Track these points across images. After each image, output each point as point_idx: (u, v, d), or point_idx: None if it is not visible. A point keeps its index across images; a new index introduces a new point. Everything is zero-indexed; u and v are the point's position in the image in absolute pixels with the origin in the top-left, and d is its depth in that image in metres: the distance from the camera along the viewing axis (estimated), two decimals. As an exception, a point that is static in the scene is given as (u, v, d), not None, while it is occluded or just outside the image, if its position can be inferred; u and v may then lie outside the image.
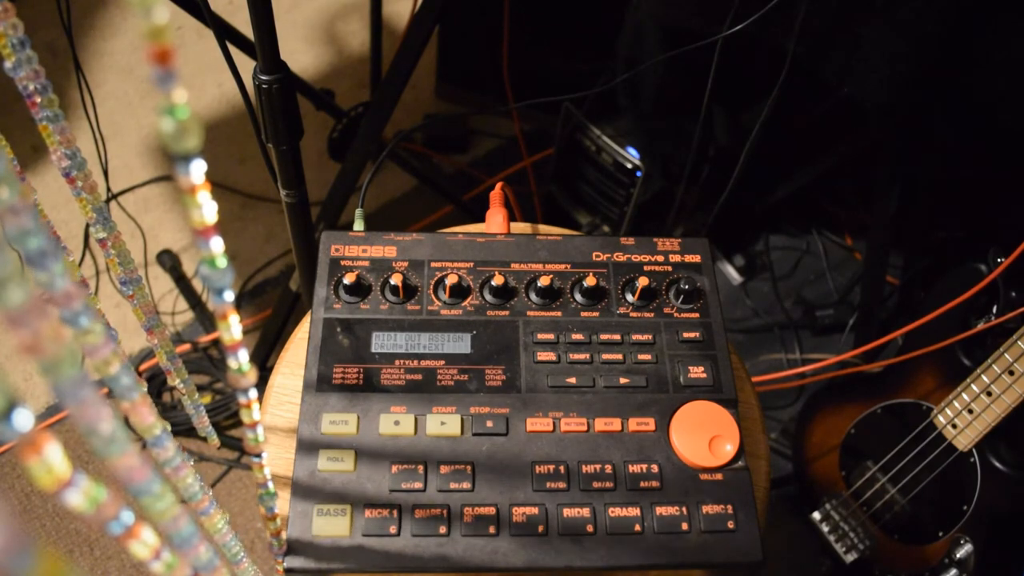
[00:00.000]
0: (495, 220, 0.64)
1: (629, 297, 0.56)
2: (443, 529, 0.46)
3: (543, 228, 0.67)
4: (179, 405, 1.25)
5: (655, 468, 0.49)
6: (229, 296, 0.24)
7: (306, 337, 0.53)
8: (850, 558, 0.98)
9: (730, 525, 0.48)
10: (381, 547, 0.45)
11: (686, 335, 0.54)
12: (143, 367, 1.28)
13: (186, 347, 1.32)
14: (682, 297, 0.55)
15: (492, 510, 0.47)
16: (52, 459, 0.18)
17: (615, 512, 0.48)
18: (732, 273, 1.50)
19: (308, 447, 0.49)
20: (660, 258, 0.58)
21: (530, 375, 0.52)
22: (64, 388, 0.17)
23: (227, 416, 1.24)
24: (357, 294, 0.54)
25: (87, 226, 1.41)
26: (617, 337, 0.54)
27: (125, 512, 0.21)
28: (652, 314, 0.55)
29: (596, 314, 0.55)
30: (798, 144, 1.38)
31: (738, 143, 1.08)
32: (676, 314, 0.55)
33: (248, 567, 0.39)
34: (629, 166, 1.18)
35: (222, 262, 0.23)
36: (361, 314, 0.54)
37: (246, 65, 0.71)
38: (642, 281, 0.55)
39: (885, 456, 0.97)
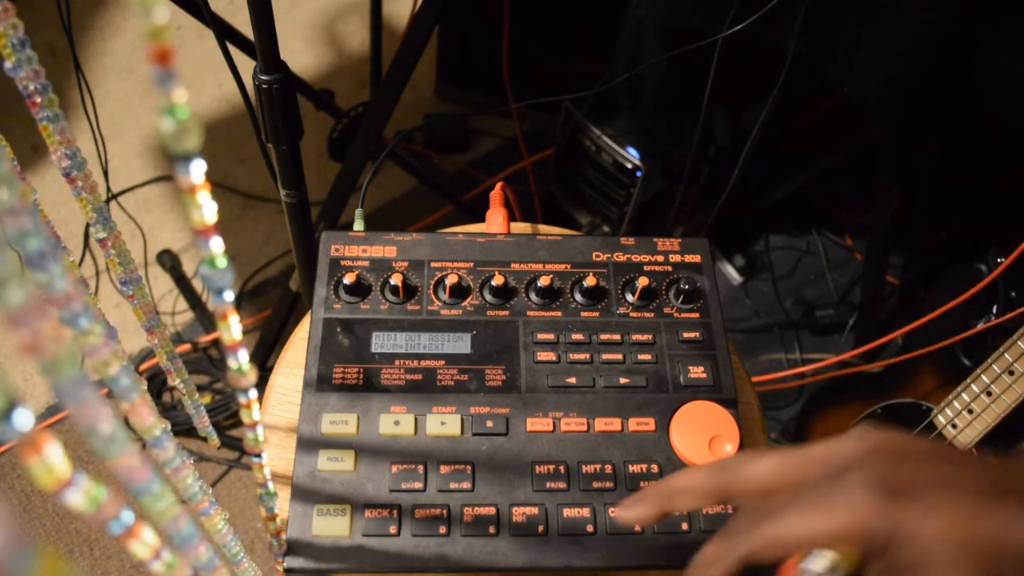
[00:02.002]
0: (495, 220, 0.64)
1: (629, 297, 0.56)
2: (443, 529, 0.46)
3: (543, 228, 0.67)
4: (179, 405, 1.25)
5: (655, 468, 0.49)
6: (229, 296, 0.24)
7: (306, 337, 0.53)
8: (850, 558, 0.98)
9: (730, 525, 0.48)
10: (381, 547, 0.45)
11: (686, 335, 0.54)
12: (143, 367, 1.28)
13: (186, 347, 1.32)
14: (682, 297, 0.55)
15: (492, 510, 0.47)
16: (52, 459, 0.18)
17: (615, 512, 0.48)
18: (732, 273, 1.50)
19: (308, 447, 0.49)
20: (660, 258, 0.58)
21: (530, 375, 0.52)
22: (64, 388, 0.17)
23: (227, 416, 1.24)
24: (357, 294, 0.54)
25: (87, 226, 1.41)
26: (617, 337, 0.54)
27: (125, 512, 0.21)
28: (652, 314, 0.55)
29: (596, 314, 0.55)
30: (798, 144, 1.38)
31: (738, 143, 1.08)
32: (676, 314, 0.55)
33: (248, 567, 0.39)
34: (629, 166, 1.18)
35: (222, 262, 0.23)
36: (361, 314, 0.54)
37: (246, 65, 0.71)
38: (642, 281, 0.55)
39: (885, 456, 0.96)
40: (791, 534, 0.30)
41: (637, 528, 0.47)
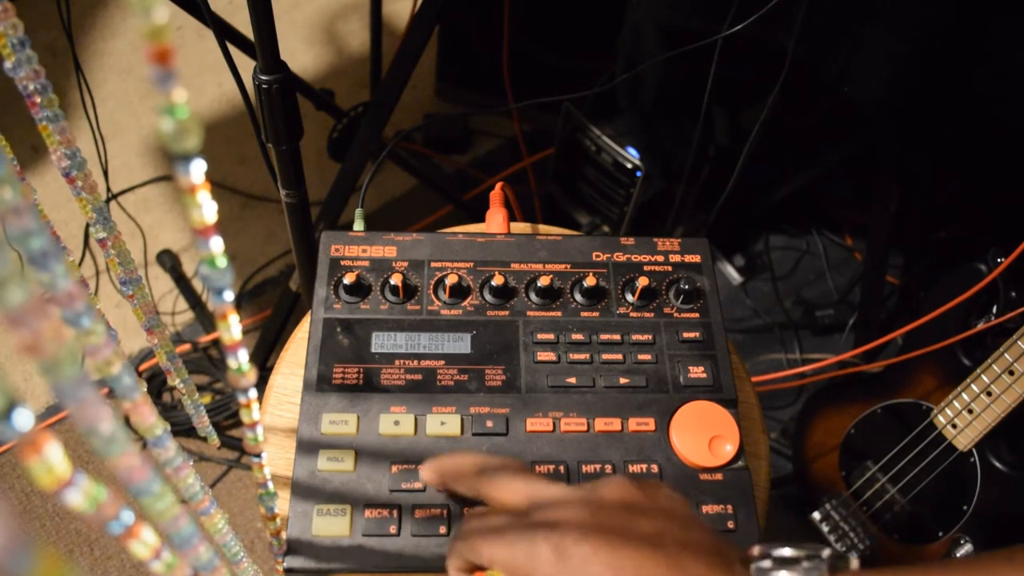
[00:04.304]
0: (495, 220, 0.64)
1: (629, 297, 0.56)
2: (443, 529, 0.46)
3: (543, 228, 0.67)
4: (179, 405, 1.25)
5: (655, 468, 0.49)
6: (229, 296, 0.24)
7: (306, 337, 0.53)
8: (850, 558, 0.98)
9: (730, 525, 0.48)
10: (381, 547, 0.45)
11: (686, 335, 0.54)
12: (143, 367, 1.28)
13: (186, 347, 1.32)
14: (682, 297, 0.55)
15: (492, 510, 0.47)
16: (52, 459, 0.18)
17: (615, 512, 0.47)
18: (732, 273, 1.50)
19: (308, 447, 0.49)
20: (660, 258, 0.58)
21: (530, 375, 0.52)
22: (64, 388, 0.17)
23: (227, 416, 1.24)
24: (357, 294, 0.54)
25: (87, 226, 1.41)
26: (617, 337, 0.54)
27: (125, 512, 0.21)
28: (652, 314, 0.55)
29: (596, 314, 0.55)
30: (798, 144, 1.38)
31: (738, 143, 1.08)
32: (676, 314, 0.55)
33: (248, 567, 0.39)
34: (629, 166, 1.18)
35: (222, 262, 0.23)
36: (361, 314, 0.54)
37: (246, 65, 0.71)
38: (642, 281, 0.55)
39: (885, 456, 0.97)
40: (483, 557, 0.36)
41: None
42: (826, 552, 0.33)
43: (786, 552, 0.33)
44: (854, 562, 0.34)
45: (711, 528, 0.37)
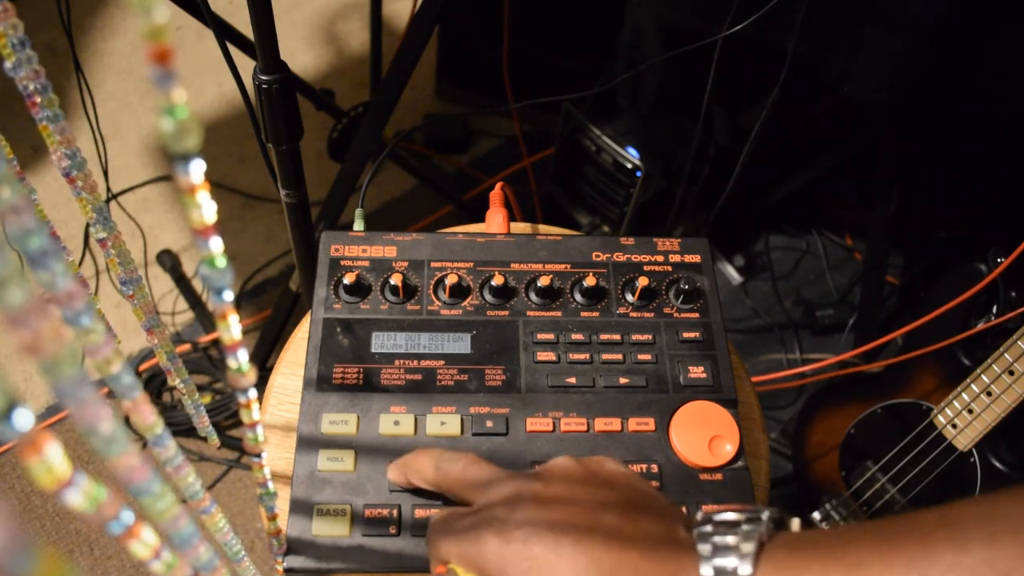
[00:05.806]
0: (495, 220, 0.64)
1: (629, 297, 0.56)
2: (443, 529, 0.46)
3: (543, 228, 0.67)
4: (179, 405, 1.25)
5: (655, 468, 0.49)
6: (229, 296, 0.24)
7: (306, 337, 0.53)
8: (850, 558, 0.97)
9: (730, 525, 0.48)
10: (381, 547, 0.45)
11: (686, 335, 0.54)
12: (143, 367, 1.28)
13: (186, 347, 1.32)
14: (682, 297, 0.55)
15: (492, 510, 0.47)
16: (52, 459, 0.18)
17: (615, 512, 0.47)
18: (732, 273, 1.50)
19: (308, 447, 0.49)
20: (660, 258, 0.58)
21: (530, 375, 0.52)
22: (64, 388, 0.17)
23: (227, 416, 1.24)
24: (357, 294, 0.54)
25: (87, 226, 1.41)
26: (617, 337, 0.54)
27: (125, 512, 0.21)
28: (652, 314, 0.55)
29: (596, 314, 0.55)
30: (798, 144, 1.38)
31: (738, 143, 1.08)
32: (676, 314, 0.55)
33: (249, 565, 0.39)
34: (629, 166, 1.18)
35: (222, 262, 0.23)
36: (361, 314, 0.54)
37: (246, 65, 0.71)
38: (642, 281, 0.55)
39: (885, 456, 0.97)
40: (442, 553, 0.38)
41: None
42: (765, 514, 0.34)
43: (727, 516, 0.34)
44: (795, 523, 0.35)
45: (656, 494, 0.38)
